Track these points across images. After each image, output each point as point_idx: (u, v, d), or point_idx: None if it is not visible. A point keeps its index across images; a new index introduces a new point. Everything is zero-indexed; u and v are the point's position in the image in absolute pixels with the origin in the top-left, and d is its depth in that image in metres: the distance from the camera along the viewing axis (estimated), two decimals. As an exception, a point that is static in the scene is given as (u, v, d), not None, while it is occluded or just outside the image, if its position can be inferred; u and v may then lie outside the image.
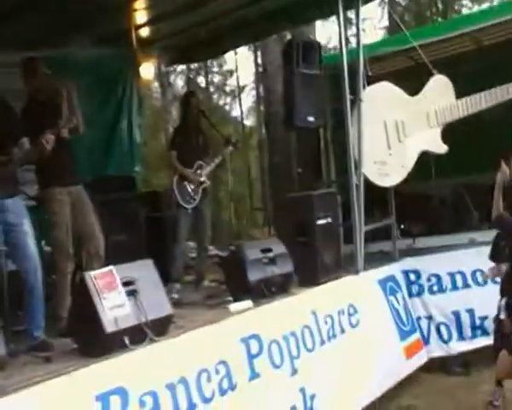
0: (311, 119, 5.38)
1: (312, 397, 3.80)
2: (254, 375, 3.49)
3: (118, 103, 7.11)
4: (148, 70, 7.36)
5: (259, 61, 14.93)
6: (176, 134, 5.58)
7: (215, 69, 18.94)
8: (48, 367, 3.21)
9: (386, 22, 16.48)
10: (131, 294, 3.46)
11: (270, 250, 4.43)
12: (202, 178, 5.30)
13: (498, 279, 4.14)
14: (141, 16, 5.73)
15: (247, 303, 4.02)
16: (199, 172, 5.31)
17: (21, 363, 3.30)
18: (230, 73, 18.98)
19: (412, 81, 5.83)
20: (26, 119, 4.04)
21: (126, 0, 5.16)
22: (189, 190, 5.23)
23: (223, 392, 3.25)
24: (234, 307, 4.00)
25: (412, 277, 5.43)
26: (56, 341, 3.70)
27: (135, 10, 5.56)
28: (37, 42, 5.77)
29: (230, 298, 4.34)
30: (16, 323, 3.82)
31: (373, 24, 17.04)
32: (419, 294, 5.41)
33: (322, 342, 4.09)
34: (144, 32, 6.13)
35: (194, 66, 16.75)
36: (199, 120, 5.48)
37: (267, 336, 3.65)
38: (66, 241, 4.23)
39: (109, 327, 3.25)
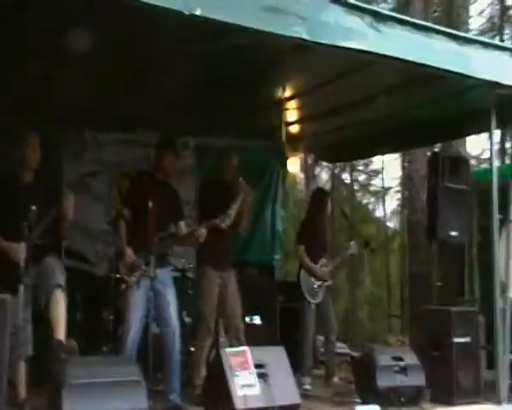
0: (454, 233, 5.29)
1: None
2: None
3: (264, 194, 7.39)
4: (294, 164, 7.69)
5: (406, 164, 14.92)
6: (304, 228, 5.69)
7: (360, 168, 19.12)
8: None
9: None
10: (262, 377, 3.63)
11: (401, 359, 4.38)
12: (326, 277, 5.40)
13: None
14: (292, 115, 6.09)
15: (375, 408, 3.96)
16: (324, 269, 5.42)
17: (156, 421, 3.55)
18: (376, 172, 19.07)
19: None
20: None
21: (280, 100, 5.55)
22: (315, 285, 5.35)
23: None
24: (361, 408, 3.98)
25: None
26: (190, 407, 3.94)
27: (287, 109, 5.95)
28: (196, 130, 6.53)
29: (358, 399, 4.32)
30: (155, 383, 4.14)
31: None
32: None
33: None
34: (294, 128, 6.46)
35: (339, 162, 17.08)
36: (326, 218, 5.63)
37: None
38: (209, 316, 4.51)
39: (239, 404, 3.43)
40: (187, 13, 3.08)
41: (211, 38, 3.82)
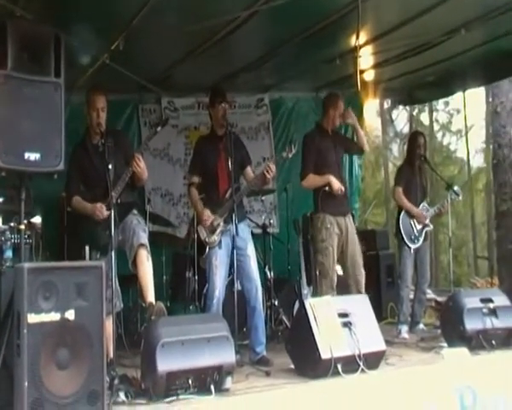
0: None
1: None
2: (466, 427, 3.35)
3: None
4: (370, 110, 7.47)
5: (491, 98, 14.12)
6: (401, 171, 5.59)
7: (440, 107, 18.29)
8: (267, 380, 3.55)
9: None
10: (346, 325, 3.66)
11: (490, 301, 4.24)
12: (427, 221, 5.27)
13: None
14: (367, 61, 5.91)
15: (463, 352, 3.89)
16: (424, 213, 5.29)
17: (245, 373, 3.69)
18: (457, 111, 18.18)
19: None
20: None
21: (354, 48, 5.40)
22: (415, 229, 5.25)
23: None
24: (447, 353, 3.92)
25: None
26: (276, 359, 4.03)
27: (360, 56, 5.76)
28: (269, 86, 6.58)
29: (444, 344, 4.26)
30: (241, 337, 4.28)
31: None
32: None
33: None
34: (369, 75, 6.29)
35: (417, 103, 16.33)
36: (423, 162, 5.45)
37: (484, 391, 3.45)
38: (331, 268, 4.47)
39: (324, 354, 3.47)
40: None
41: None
